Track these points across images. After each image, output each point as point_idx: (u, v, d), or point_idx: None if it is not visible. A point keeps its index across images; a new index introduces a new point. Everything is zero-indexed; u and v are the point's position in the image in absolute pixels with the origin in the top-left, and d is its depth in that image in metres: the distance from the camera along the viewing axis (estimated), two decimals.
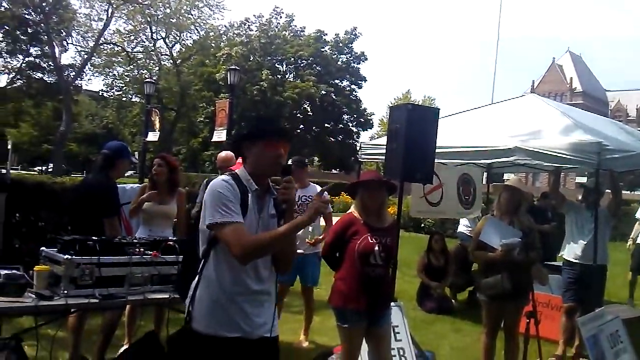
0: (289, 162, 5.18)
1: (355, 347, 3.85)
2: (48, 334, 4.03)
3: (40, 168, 46.94)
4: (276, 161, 2.57)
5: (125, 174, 4.90)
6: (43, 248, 3.76)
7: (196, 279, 2.57)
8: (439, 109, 5.09)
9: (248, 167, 2.64)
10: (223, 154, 5.77)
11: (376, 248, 3.74)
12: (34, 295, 3.35)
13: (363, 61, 46.79)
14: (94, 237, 3.72)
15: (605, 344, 5.26)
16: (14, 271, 3.38)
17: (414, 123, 4.76)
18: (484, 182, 10.34)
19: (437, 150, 5.11)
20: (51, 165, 37.83)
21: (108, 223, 4.33)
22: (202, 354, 2.54)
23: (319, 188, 5.45)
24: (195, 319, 2.55)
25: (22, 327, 3.96)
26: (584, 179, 7.99)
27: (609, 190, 6.25)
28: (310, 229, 5.19)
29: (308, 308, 5.85)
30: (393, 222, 4.03)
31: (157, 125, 20.06)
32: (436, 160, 5.31)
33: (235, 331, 2.50)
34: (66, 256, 3.45)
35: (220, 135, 14.96)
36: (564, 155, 5.64)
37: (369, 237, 3.77)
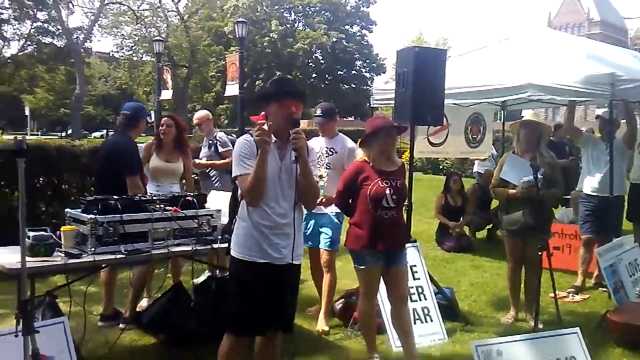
0: (317, 111, 5.13)
1: (372, 286, 3.98)
2: (80, 290, 4.21)
3: (60, 133, 47.43)
4: (288, 118, 3.02)
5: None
6: (68, 209, 3.89)
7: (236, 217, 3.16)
8: (446, 50, 5.06)
9: (268, 122, 3.07)
10: (199, 112, 6.23)
11: (387, 191, 3.81)
12: (63, 254, 3.50)
13: (372, 4, 45.81)
14: (115, 197, 3.85)
15: (623, 273, 5.35)
16: (42, 232, 3.51)
17: (422, 66, 4.70)
18: (500, 120, 10.28)
19: (448, 92, 5.09)
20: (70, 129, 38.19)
21: (131, 181, 4.44)
22: (240, 275, 3.10)
23: (347, 140, 4.92)
24: (233, 248, 3.12)
25: (55, 285, 4.15)
26: (603, 110, 7.82)
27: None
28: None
29: (327, 279, 4.82)
30: (402, 164, 4.07)
31: (170, 83, 19.98)
32: (447, 102, 5.30)
33: (265, 258, 3.03)
34: (90, 215, 3.59)
35: (232, 89, 14.86)
36: (576, 88, 5.57)
37: (379, 182, 3.83)
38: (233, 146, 5.71)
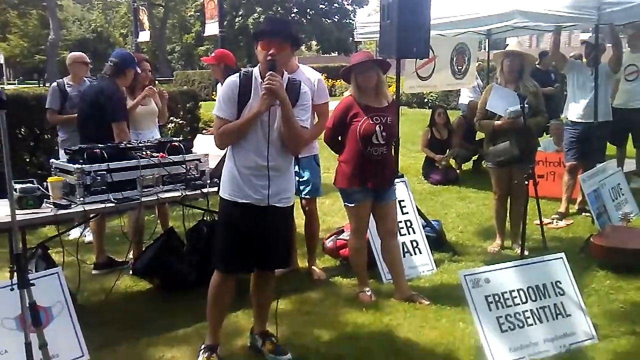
0: None
1: (362, 223, 4.04)
2: (71, 240, 4.24)
3: (37, 80, 46.33)
4: (265, 59, 2.95)
5: None
6: (52, 160, 3.85)
7: None
8: None
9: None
10: (71, 54, 5.75)
11: (377, 128, 3.80)
12: (52, 206, 3.49)
13: None
14: (100, 145, 3.81)
15: (606, 198, 5.46)
16: (28, 184, 3.48)
17: None
18: (485, 49, 10.17)
19: (434, 22, 4.99)
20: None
21: (117, 127, 4.38)
22: (225, 214, 3.16)
23: (309, 72, 4.29)
24: (221, 187, 3.19)
25: (45, 236, 4.16)
26: (588, 35, 7.68)
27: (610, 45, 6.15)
28: None
29: (309, 226, 4.66)
30: (393, 100, 4.04)
31: (147, 24, 19.40)
32: (433, 33, 5.20)
33: (246, 198, 3.06)
34: (77, 165, 3.55)
35: (212, 28, 14.44)
36: (562, 14, 5.50)
37: (369, 119, 3.81)
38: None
